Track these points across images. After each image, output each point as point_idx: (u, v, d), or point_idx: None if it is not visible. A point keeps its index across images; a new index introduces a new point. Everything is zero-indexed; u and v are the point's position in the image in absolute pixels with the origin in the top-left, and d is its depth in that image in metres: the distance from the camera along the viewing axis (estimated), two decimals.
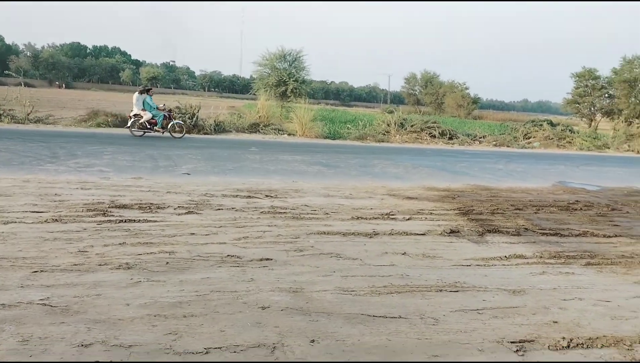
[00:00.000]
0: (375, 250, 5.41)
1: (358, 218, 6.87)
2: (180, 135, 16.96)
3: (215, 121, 19.80)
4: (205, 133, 19.14)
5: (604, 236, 6.70)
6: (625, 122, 35.41)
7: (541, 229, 6.85)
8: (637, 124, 34.87)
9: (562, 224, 7.29)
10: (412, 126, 22.78)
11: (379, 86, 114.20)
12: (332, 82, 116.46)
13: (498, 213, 7.77)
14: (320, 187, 9.11)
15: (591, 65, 60.46)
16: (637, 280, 4.91)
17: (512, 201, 8.87)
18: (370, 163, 13.52)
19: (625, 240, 6.58)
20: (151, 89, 17.45)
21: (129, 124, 16.45)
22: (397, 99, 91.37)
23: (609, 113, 45.97)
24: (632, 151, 26.70)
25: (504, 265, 5.21)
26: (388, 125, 22.84)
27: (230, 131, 20.16)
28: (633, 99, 41.68)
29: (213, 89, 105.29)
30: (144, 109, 16.36)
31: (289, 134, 20.38)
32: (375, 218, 6.90)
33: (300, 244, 5.46)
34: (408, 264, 5.02)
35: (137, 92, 16.75)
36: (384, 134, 22.06)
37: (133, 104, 16.48)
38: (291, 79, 27.97)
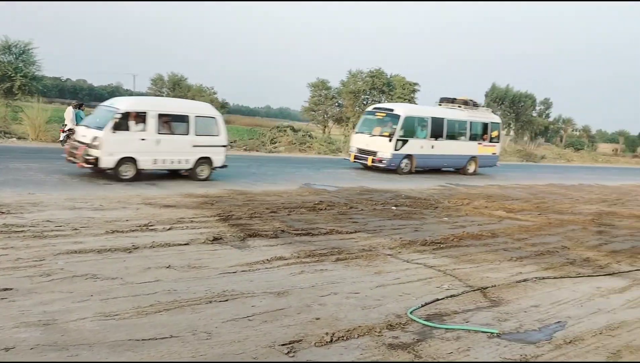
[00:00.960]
0: (137, 266, 5.08)
1: (113, 231, 6.35)
2: None
3: None
4: None
5: (347, 232, 7.56)
6: (353, 128, 40.54)
7: (295, 230, 7.37)
8: None
9: (312, 224, 7.97)
10: None
11: (123, 86, 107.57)
12: (67, 79, 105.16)
13: (256, 216, 8.09)
14: (63, 199, 8.14)
15: (325, 77, 67.65)
16: (377, 270, 5.67)
17: (267, 204, 9.34)
18: None
19: (363, 234, 7.54)
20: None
21: (61, 138, 15.65)
22: None
23: (338, 120, 52.30)
24: None
25: (267, 268, 5.44)
26: None
27: None
28: (357, 108, 48.28)
29: None
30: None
31: (19, 138, 17.69)
32: (133, 231, 6.48)
33: (46, 267, 4.78)
34: (174, 277, 4.85)
35: (71, 107, 15.96)
36: None
37: (67, 119, 15.68)
38: (18, 75, 24.30)
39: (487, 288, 5.26)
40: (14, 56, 24.87)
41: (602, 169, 41.99)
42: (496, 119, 22.17)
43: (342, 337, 3.77)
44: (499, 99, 70.08)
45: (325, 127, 52.98)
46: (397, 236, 7.56)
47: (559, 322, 4.43)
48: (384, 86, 46.62)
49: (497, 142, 21.60)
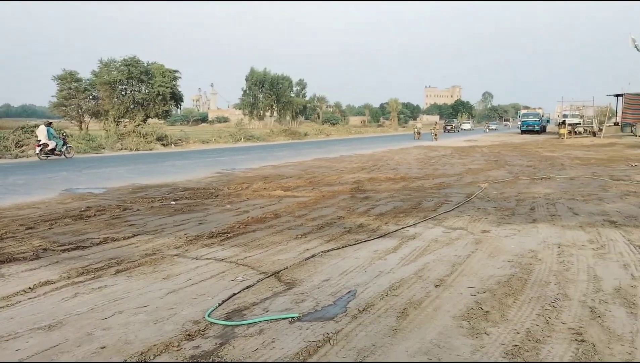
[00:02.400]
0: None
1: None
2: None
3: None
4: None
5: (124, 238, 6.84)
6: (115, 122, 37.68)
7: (61, 245, 6.38)
8: (125, 123, 37.76)
9: (81, 235, 7.02)
10: None
11: None
12: None
13: (8, 237, 6.78)
14: None
15: (74, 67, 61.13)
16: (165, 275, 5.20)
17: (21, 220, 7.93)
18: None
19: (144, 237, 6.91)
20: (52, 122, 23.56)
21: (37, 151, 21.37)
22: None
23: (96, 114, 47.92)
24: (126, 149, 28.75)
25: (30, 298, 4.53)
26: None
27: None
28: (116, 100, 44.87)
29: None
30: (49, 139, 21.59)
31: None
32: None
33: None
34: None
35: (42, 125, 22.25)
36: None
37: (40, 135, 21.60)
38: None
39: (280, 271, 5.25)
40: None
41: (356, 139, 47.14)
42: None
43: (135, 361, 3.30)
44: (259, 82, 72.93)
45: (81, 123, 48.11)
46: (182, 233, 7.13)
47: (349, 291, 4.63)
48: (142, 75, 44.21)
49: None
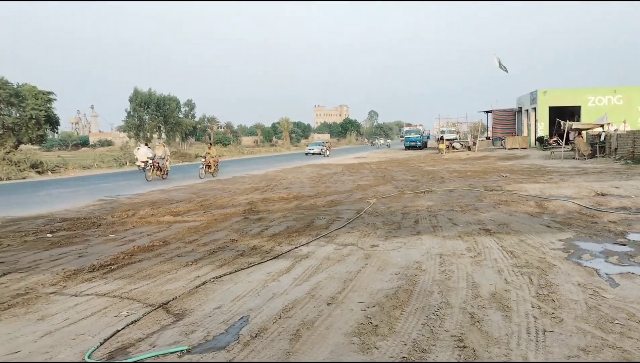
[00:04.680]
0: None
1: None
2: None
3: None
4: None
5: None
6: None
7: None
8: None
9: None
10: None
11: None
12: None
13: None
14: None
15: None
16: (40, 316, 4.75)
17: None
18: None
19: (16, 275, 6.28)
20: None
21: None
22: None
23: None
24: None
25: None
26: None
27: None
28: None
29: None
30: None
31: None
32: None
33: None
34: None
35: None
36: None
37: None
38: None
39: (168, 302, 5.02)
40: None
41: (249, 160, 46.92)
42: None
43: None
44: (145, 103, 70.17)
45: None
46: (59, 268, 6.58)
47: (242, 317, 4.54)
48: (12, 98, 40.68)
49: None
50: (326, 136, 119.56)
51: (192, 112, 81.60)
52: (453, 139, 49.11)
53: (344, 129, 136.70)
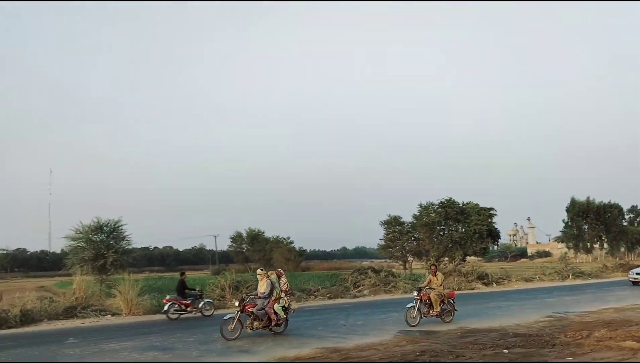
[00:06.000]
0: None
1: None
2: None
3: (21, 311, 16.59)
4: (8, 327, 15.62)
5: None
6: (436, 261, 39.33)
7: None
8: (444, 262, 38.97)
9: None
10: (247, 287, 22.15)
11: (206, 247, 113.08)
12: (155, 247, 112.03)
13: None
14: None
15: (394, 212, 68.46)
16: None
17: (363, 360, 8.65)
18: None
19: None
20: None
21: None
22: (225, 258, 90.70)
23: (417, 254, 51.19)
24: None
25: None
26: (222, 289, 21.91)
27: (41, 320, 16.67)
28: (435, 240, 47.25)
29: (17, 269, 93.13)
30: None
31: (113, 314, 18.11)
32: None
33: None
34: None
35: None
36: (219, 300, 20.99)
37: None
38: (110, 251, 26.10)
39: None
40: (106, 235, 27.08)
41: None
42: None
43: None
44: (582, 212, 66.66)
45: (405, 262, 51.98)
46: None
47: None
48: (458, 215, 45.81)
49: None
50: None
51: (638, 219, 72.78)
52: None
53: None
